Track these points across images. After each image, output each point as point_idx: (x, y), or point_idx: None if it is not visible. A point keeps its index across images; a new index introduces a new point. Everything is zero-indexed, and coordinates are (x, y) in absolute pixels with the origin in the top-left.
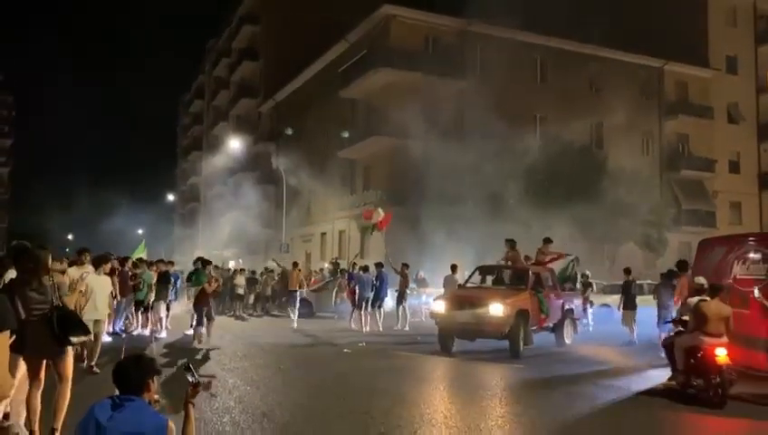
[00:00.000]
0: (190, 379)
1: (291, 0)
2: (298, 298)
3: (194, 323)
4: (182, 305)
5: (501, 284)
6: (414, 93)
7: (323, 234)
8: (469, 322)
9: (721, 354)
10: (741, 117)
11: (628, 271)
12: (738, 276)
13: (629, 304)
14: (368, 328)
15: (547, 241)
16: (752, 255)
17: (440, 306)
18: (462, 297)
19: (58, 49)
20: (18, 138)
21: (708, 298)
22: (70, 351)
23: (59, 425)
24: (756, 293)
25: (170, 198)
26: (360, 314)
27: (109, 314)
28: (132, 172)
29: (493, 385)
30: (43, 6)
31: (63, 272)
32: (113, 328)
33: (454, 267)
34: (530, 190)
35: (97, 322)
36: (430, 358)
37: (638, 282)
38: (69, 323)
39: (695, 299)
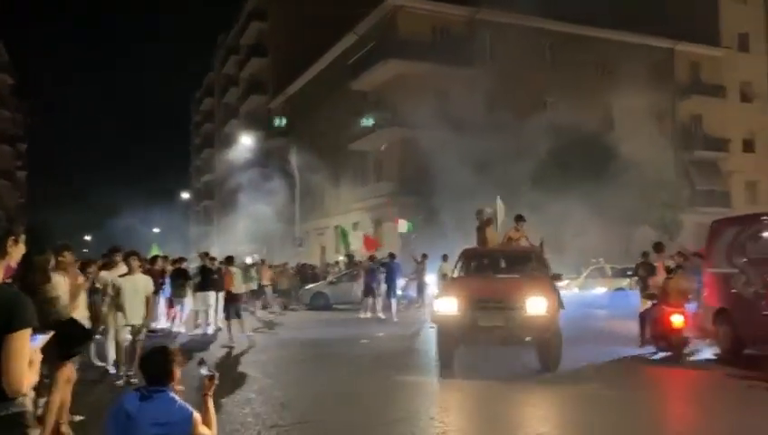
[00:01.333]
0: (204, 372)
1: None
2: (269, 293)
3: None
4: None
5: (504, 270)
6: (424, 84)
7: (337, 227)
8: (498, 325)
9: (676, 320)
10: (754, 95)
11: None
12: (752, 256)
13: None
14: (381, 316)
15: (520, 219)
16: (765, 234)
17: (449, 306)
18: (483, 291)
19: (71, 51)
20: (33, 141)
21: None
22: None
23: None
24: None
25: (185, 195)
26: (374, 303)
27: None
28: (147, 171)
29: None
30: (54, 9)
31: (81, 274)
32: None
33: (445, 257)
34: (543, 176)
35: (133, 327)
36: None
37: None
38: (70, 338)
39: (662, 278)
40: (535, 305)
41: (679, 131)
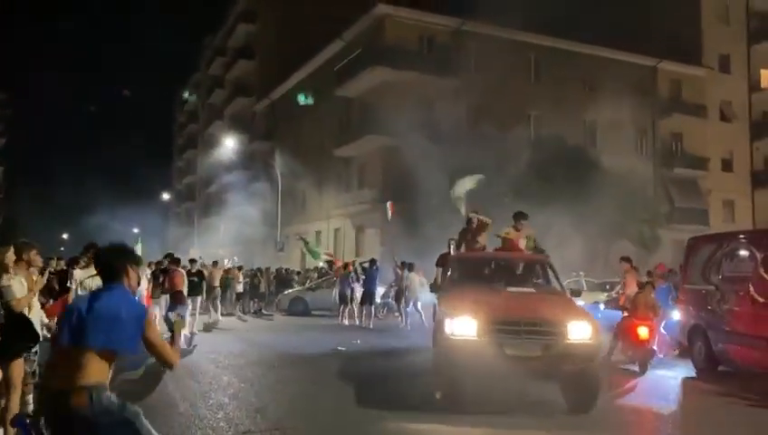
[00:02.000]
0: (173, 318)
1: None
2: (219, 295)
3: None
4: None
5: (513, 283)
6: (408, 92)
7: (319, 232)
8: (532, 355)
9: (642, 332)
10: (734, 115)
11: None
12: (726, 274)
13: None
14: (358, 323)
15: (520, 217)
16: (741, 252)
17: (466, 328)
18: (509, 310)
19: (50, 45)
20: (12, 137)
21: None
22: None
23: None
24: (751, 289)
25: (165, 196)
26: (349, 311)
27: None
28: (127, 171)
29: None
30: (35, 4)
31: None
32: None
33: (410, 266)
34: (524, 188)
35: None
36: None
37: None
38: (16, 332)
39: (632, 291)
40: (579, 330)
41: (660, 148)
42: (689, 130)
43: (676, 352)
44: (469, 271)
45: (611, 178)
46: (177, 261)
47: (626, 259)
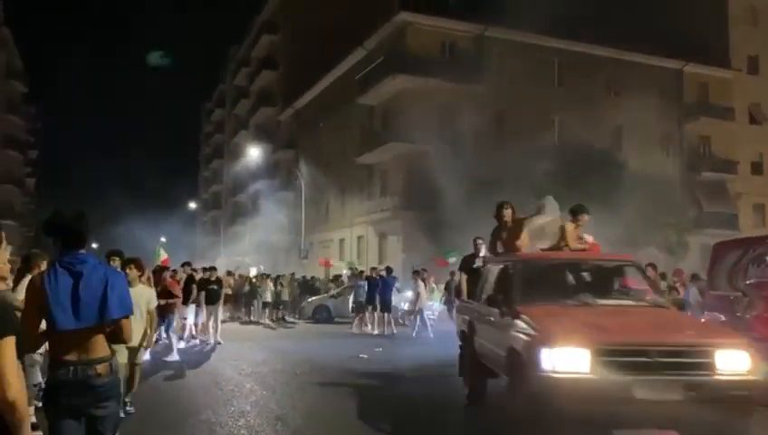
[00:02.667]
0: None
1: (309, 9)
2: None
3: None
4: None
5: (601, 294)
6: (430, 99)
7: (342, 240)
8: (673, 397)
9: None
10: (763, 117)
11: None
12: (754, 279)
13: None
14: (375, 331)
15: (581, 212)
16: None
17: (576, 360)
18: (632, 333)
19: (82, 60)
20: (43, 148)
21: None
22: None
23: None
24: None
25: (192, 205)
26: (364, 318)
27: (147, 337)
28: (155, 181)
29: None
30: (65, 19)
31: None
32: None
33: (420, 272)
34: (548, 194)
35: (131, 350)
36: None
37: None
38: None
39: None
40: (732, 360)
41: (687, 152)
42: (717, 132)
43: None
44: (534, 278)
45: (637, 183)
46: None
47: (651, 266)
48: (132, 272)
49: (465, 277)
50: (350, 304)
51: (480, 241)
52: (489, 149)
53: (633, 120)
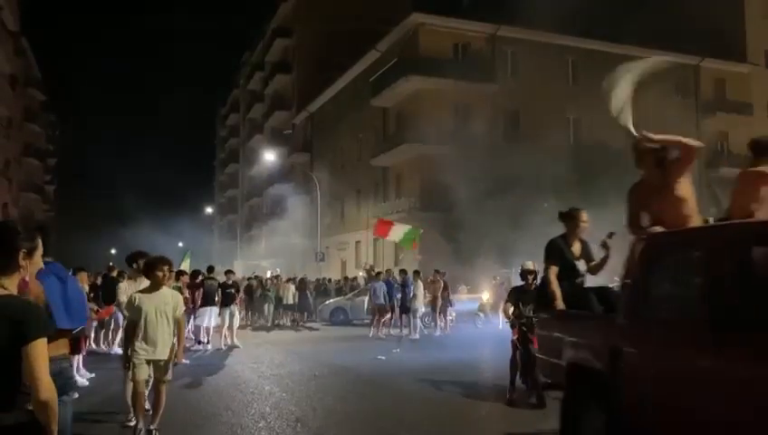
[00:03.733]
0: None
1: (322, 12)
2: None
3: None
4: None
5: None
6: (444, 100)
7: (358, 242)
8: None
9: None
10: None
11: None
12: None
13: None
14: (392, 331)
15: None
16: None
17: None
18: None
19: (96, 65)
20: (62, 156)
21: None
22: None
23: None
24: None
25: (209, 210)
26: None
27: (176, 350)
28: (171, 186)
29: None
30: (81, 27)
31: None
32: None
33: (416, 273)
34: (564, 192)
35: (157, 364)
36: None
37: None
38: None
39: None
40: None
41: (705, 149)
42: (735, 128)
43: None
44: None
45: None
46: (195, 274)
47: None
48: (161, 273)
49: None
50: (366, 307)
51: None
52: (504, 149)
53: (649, 118)
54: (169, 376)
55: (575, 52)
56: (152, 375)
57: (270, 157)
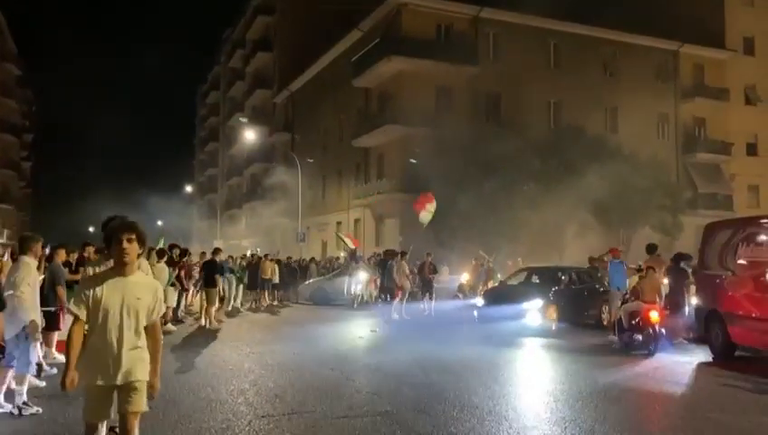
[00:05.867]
0: None
1: None
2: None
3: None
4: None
5: None
6: (426, 81)
7: (339, 223)
8: None
9: (653, 315)
10: (758, 98)
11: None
12: (742, 259)
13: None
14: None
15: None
16: (759, 237)
17: None
18: None
19: (76, 43)
20: (38, 132)
21: (644, 275)
22: None
23: None
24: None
25: (188, 189)
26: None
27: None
28: (150, 164)
29: None
30: (58, 1)
31: None
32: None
33: (402, 254)
34: (544, 176)
35: (123, 391)
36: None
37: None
38: None
39: (636, 277)
40: None
41: (682, 134)
42: (712, 114)
43: (691, 335)
44: None
45: (632, 164)
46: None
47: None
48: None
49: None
50: (346, 288)
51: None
52: (485, 131)
53: (629, 102)
54: (144, 407)
55: (557, 35)
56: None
57: (250, 136)
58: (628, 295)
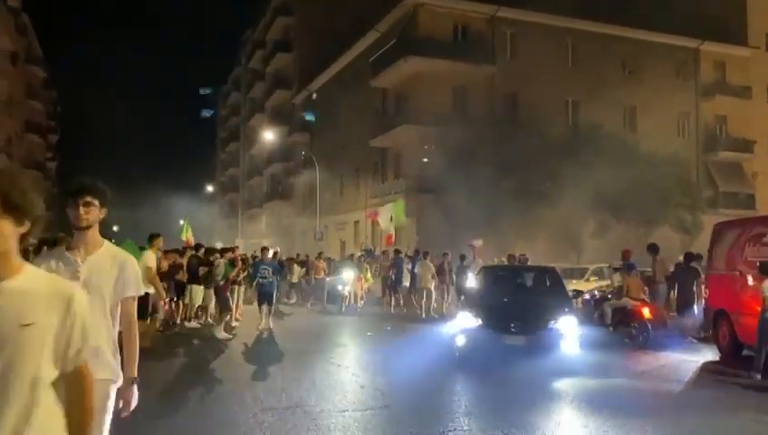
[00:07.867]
0: None
1: None
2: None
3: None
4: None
5: None
6: (443, 81)
7: (356, 222)
8: None
9: (646, 311)
10: None
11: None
12: (749, 259)
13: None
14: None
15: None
16: (766, 237)
17: None
18: None
19: (100, 44)
20: (64, 133)
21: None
22: None
23: None
24: None
25: (210, 189)
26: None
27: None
28: (173, 165)
29: None
30: (82, 4)
31: None
32: None
33: (425, 254)
34: (563, 175)
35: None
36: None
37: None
38: None
39: (618, 276)
40: None
41: (703, 132)
42: (734, 112)
43: (702, 334)
44: None
45: (652, 163)
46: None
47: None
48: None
49: None
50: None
51: None
52: (502, 130)
53: (648, 100)
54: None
55: (575, 34)
56: None
57: (270, 136)
58: (611, 294)
